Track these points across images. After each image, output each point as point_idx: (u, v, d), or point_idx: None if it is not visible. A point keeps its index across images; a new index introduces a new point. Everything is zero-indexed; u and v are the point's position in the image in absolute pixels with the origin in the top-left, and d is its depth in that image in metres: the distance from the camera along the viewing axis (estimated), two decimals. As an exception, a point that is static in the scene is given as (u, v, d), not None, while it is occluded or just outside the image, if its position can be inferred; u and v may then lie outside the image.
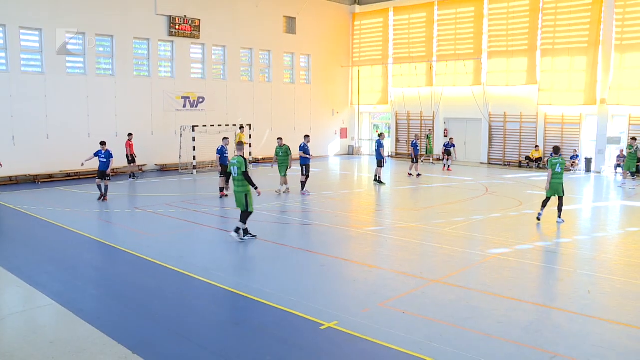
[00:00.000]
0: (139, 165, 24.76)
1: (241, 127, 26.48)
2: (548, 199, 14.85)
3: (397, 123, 33.99)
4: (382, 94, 34.37)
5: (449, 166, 27.44)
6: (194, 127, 25.08)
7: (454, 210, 16.64)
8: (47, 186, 21.19)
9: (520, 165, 28.62)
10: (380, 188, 21.21)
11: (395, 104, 33.80)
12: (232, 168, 12.46)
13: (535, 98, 27.85)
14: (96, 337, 7.37)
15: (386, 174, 26.40)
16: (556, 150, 15.20)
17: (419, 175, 24.28)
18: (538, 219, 14.81)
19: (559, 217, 14.63)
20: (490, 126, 29.84)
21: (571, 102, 26.66)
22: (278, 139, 19.51)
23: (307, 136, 19.99)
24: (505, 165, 29.18)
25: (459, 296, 9.01)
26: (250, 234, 12.74)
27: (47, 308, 8.56)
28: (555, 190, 14.57)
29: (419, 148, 25.05)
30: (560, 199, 14.64)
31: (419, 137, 27.09)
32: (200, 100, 27.73)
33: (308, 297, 8.87)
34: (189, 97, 27.27)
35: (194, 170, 25.09)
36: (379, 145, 22.02)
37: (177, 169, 25.97)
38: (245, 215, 12.50)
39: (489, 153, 30.05)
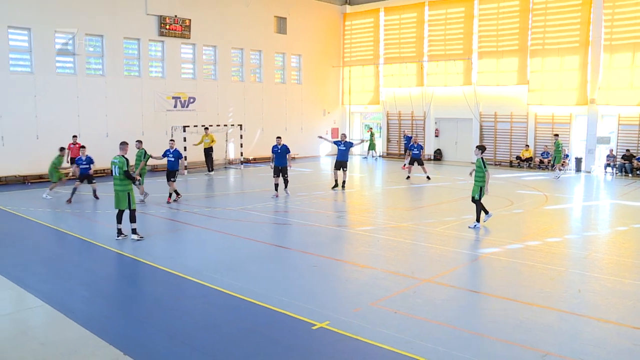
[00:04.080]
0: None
1: (206, 128, 25.36)
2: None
3: (388, 123, 34.04)
4: (373, 94, 34.39)
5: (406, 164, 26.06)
6: (184, 127, 25.01)
7: (445, 210, 16.68)
8: (37, 187, 21.03)
9: (511, 164, 28.73)
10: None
11: (386, 104, 33.83)
12: (113, 167, 12.56)
13: (526, 98, 27.98)
14: (87, 338, 7.33)
15: (377, 173, 26.45)
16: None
17: (407, 177, 23.43)
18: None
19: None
20: (481, 126, 29.94)
21: (562, 102, 26.78)
22: (137, 141, 18.31)
23: (278, 137, 18.89)
24: (496, 164, 29.27)
25: (450, 295, 9.04)
26: (124, 234, 12.75)
27: (37, 309, 8.50)
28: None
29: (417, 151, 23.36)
30: None
31: (415, 138, 24.61)
32: (191, 100, 27.63)
33: (300, 298, 8.86)
34: (179, 97, 27.17)
35: (185, 171, 24.99)
36: (338, 144, 20.42)
37: (168, 169, 25.81)
38: (134, 213, 12.62)
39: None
